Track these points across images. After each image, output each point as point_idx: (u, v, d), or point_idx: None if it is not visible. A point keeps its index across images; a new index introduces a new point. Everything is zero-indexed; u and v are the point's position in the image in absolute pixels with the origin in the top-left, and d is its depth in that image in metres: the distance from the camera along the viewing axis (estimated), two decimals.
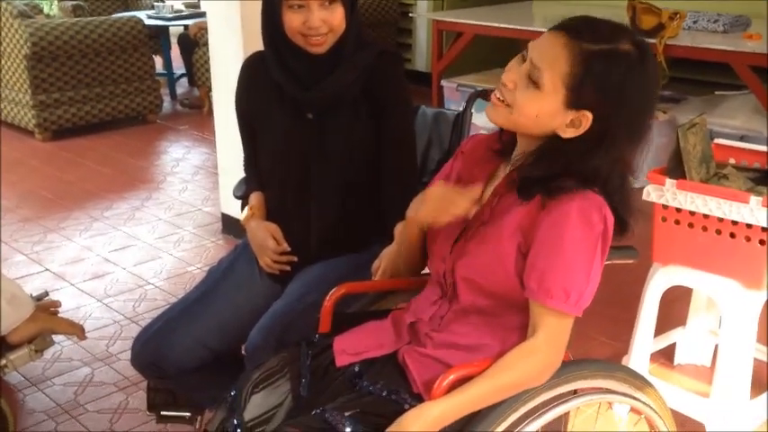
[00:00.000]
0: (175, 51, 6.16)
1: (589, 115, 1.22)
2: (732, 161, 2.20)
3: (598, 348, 2.55)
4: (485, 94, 1.86)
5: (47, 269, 3.25)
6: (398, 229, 1.55)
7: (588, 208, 1.23)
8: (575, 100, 1.22)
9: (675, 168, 2.01)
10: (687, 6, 4.25)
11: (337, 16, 1.66)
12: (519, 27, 4.51)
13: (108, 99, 5.23)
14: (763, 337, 2.28)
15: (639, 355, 2.21)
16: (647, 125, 1.27)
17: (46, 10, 5.59)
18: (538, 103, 1.23)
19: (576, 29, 1.22)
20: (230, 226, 3.51)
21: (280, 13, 1.66)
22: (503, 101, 1.27)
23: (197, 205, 4.01)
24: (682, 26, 3.97)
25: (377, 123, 1.75)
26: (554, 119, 1.24)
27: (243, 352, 1.72)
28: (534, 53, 1.24)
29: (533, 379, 1.27)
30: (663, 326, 2.32)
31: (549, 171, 1.25)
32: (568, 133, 1.25)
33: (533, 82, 1.23)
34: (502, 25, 4.57)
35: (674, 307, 2.43)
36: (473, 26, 4.72)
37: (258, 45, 1.79)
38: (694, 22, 4.15)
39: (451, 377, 1.23)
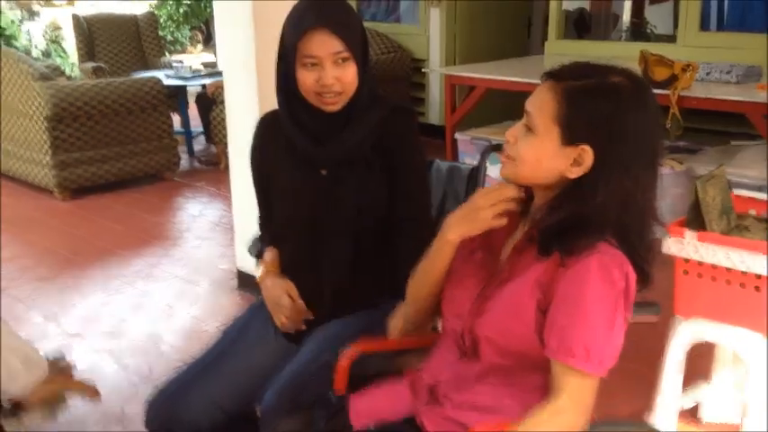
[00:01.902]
0: (193, 110, 6.28)
1: (588, 149, 1.23)
2: (753, 212, 2.16)
3: (620, 405, 2.48)
4: (499, 148, 1.87)
5: (63, 329, 3.24)
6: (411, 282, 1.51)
7: (608, 264, 1.21)
8: (569, 136, 1.23)
9: (695, 220, 1.99)
10: (699, 58, 4.27)
11: (349, 74, 1.67)
12: (530, 81, 4.54)
13: (127, 158, 5.30)
14: None
15: (666, 413, 2.15)
16: (649, 158, 1.25)
17: (67, 71, 5.74)
18: (536, 146, 1.26)
19: (559, 73, 1.27)
20: (246, 282, 3.49)
21: (294, 71, 1.68)
22: (508, 156, 1.30)
23: (213, 261, 4.00)
24: (695, 77, 3.98)
25: (390, 178, 1.74)
26: (555, 160, 1.25)
27: (257, 413, 1.69)
28: (527, 104, 1.29)
29: None
30: (687, 380, 2.25)
31: (563, 216, 1.24)
32: (574, 173, 1.25)
33: (529, 129, 1.27)
34: (513, 79, 4.60)
35: (699, 361, 2.36)
36: (485, 80, 4.77)
37: (273, 103, 1.81)
38: (707, 74, 4.16)
39: None
